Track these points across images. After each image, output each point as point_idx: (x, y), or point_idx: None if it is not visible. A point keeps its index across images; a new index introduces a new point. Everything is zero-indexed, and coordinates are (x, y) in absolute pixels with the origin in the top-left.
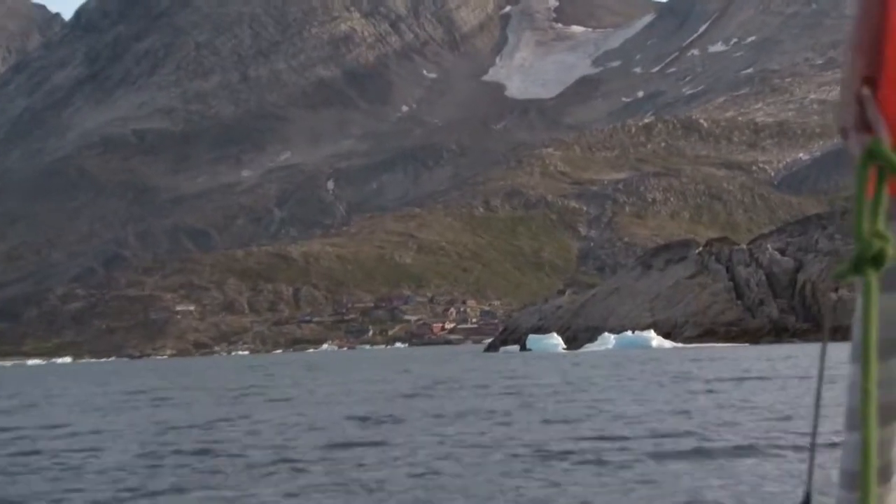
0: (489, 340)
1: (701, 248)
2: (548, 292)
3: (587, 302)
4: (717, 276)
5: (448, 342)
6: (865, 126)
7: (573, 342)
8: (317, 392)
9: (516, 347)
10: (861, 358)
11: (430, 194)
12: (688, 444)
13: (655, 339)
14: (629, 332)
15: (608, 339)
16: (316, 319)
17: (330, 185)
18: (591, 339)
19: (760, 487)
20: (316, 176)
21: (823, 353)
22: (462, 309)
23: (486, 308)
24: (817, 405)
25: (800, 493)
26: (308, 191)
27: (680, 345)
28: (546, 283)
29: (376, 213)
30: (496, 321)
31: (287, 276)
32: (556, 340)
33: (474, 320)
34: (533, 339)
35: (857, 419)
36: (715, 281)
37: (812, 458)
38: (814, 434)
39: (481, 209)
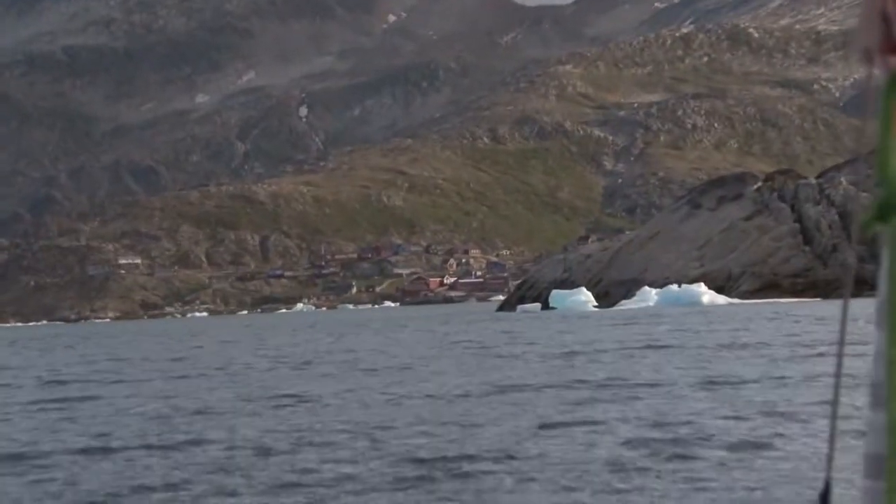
0: (500, 298)
1: (760, 184)
2: (566, 239)
3: (621, 250)
4: (780, 217)
5: (448, 300)
6: (893, 47)
7: (605, 298)
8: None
9: (536, 306)
10: (887, 322)
11: (425, 123)
12: None
13: (706, 294)
14: (674, 286)
15: (648, 295)
16: (288, 274)
17: (303, 111)
18: (628, 294)
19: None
20: (286, 101)
21: (844, 315)
22: (464, 260)
23: (494, 259)
24: (838, 378)
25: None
26: (276, 119)
27: (736, 300)
28: (564, 228)
29: (359, 145)
30: (505, 275)
31: (253, 222)
32: (585, 297)
33: (479, 274)
34: (557, 296)
35: (882, 395)
36: (778, 223)
37: (833, 442)
38: (834, 413)
39: (486, 140)
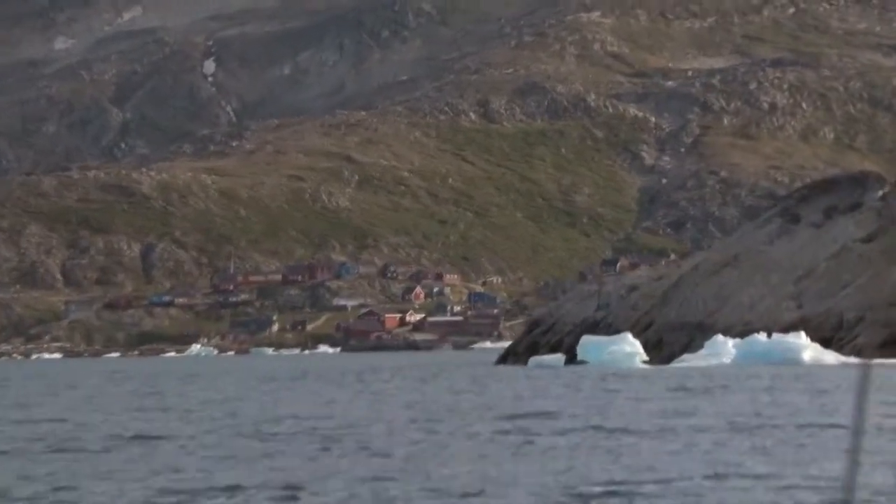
0: (487, 344)
1: (888, 189)
2: (584, 263)
3: (682, 281)
4: None
5: (411, 345)
6: None
7: (657, 349)
8: None
9: (558, 358)
10: None
11: (384, 88)
12: None
13: (808, 349)
14: (760, 335)
15: (722, 347)
16: (180, 301)
17: (209, 67)
18: (691, 344)
19: None
20: (184, 51)
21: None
22: (436, 289)
23: (479, 289)
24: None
25: None
26: (170, 77)
27: (851, 359)
28: (582, 247)
29: (289, 118)
30: (495, 311)
31: (131, 223)
32: (630, 346)
33: (457, 309)
34: (590, 345)
35: None
36: None
37: None
38: None
39: (472, 117)
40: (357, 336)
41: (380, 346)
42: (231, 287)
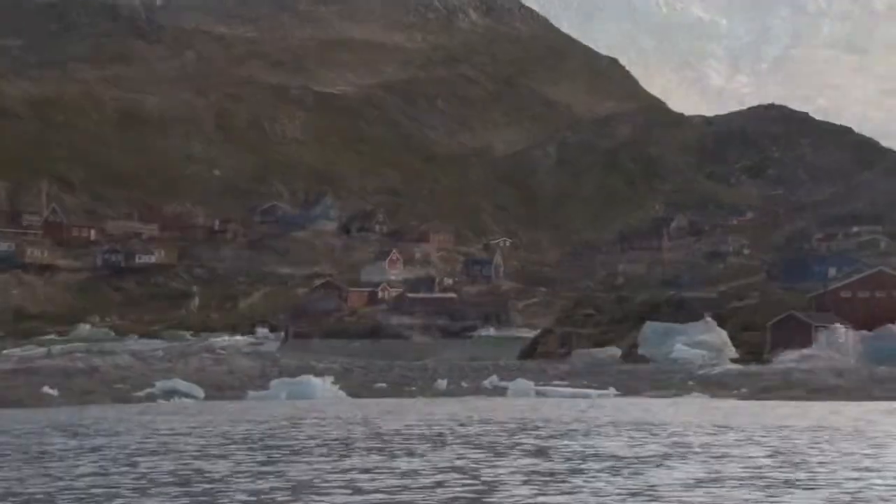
0: (497, 332)
1: None
2: (626, 221)
3: None
4: None
5: (383, 332)
6: None
7: None
8: None
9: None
10: None
11: None
12: None
13: None
14: None
15: None
16: (63, 263)
17: None
18: None
19: None
20: None
21: None
22: (420, 253)
23: (479, 254)
24: None
25: None
26: None
27: None
28: (624, 198)
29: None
30: (502, 285)
31: None
32: None
33: (449, 281)
34: None
35: None
36: None
37: None
38: None
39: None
40: (308, 319)
41: (338, 332)
42: (135, 247)
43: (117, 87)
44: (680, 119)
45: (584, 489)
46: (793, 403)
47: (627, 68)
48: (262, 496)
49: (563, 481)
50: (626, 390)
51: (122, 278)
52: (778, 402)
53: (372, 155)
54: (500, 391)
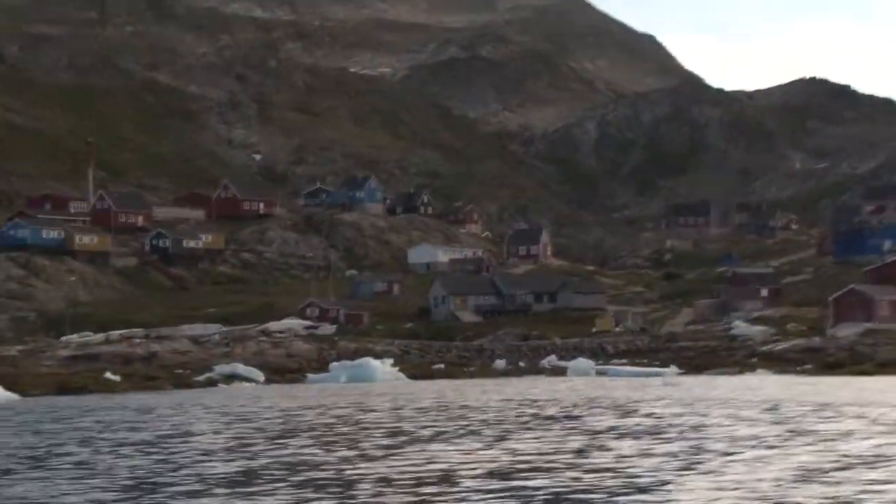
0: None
1: None
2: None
3: None
4: None
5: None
6: None
7: None
8: None
9: None
10: None
11: None
12: None
13: None
14: None
15: None
16: None
17: None
18: None
19: None
20: None
21: None
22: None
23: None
24: None
25: None
26: None
27: None
28: None
29: None
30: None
31: None
32: None
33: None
34: None
35: None
36: None
37: None
38: None
39: None
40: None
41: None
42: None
43: (159, 73)
44: (719, 94)
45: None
46: (872, 378)
47: (664, 45)
48: None
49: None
50: (688, 368)
51: (170, 264)
52: (851, 378)
53: (412, 136)
54: (559, 371)
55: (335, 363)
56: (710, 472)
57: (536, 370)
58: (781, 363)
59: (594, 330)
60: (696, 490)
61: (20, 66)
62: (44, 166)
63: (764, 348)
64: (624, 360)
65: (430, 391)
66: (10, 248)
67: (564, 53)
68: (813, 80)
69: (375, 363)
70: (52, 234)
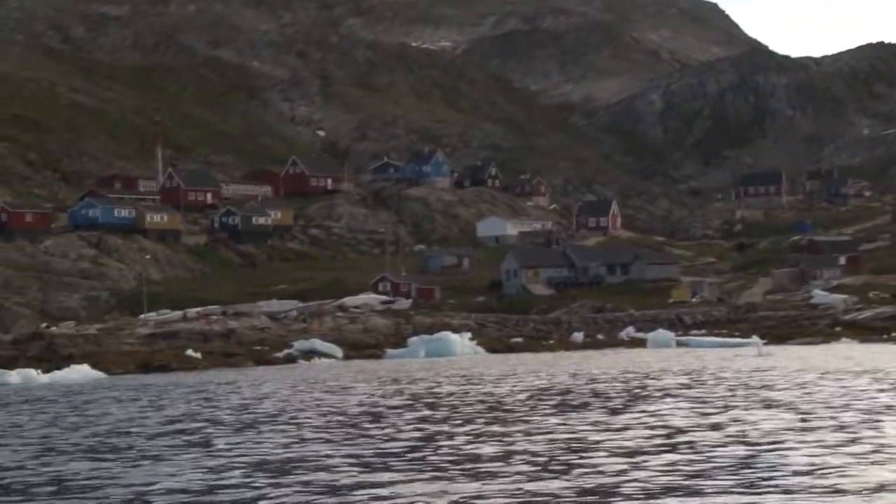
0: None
1: None
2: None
3: None
4: None
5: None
6: None
7: None
8: None
9: None
10: None
11: None
12: None
13: None
14: None
15: None
16: None
17: None
18: None
19: None
20: None
21: None
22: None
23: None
24: None
25: None
26: None
27: None
28: None
29: None
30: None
31: None
32: None
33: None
34: None
35: None
36: None
37: None
38: None
39: None
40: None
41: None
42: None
43: (221, 51)
44: (785, 61)
45: None
46: None
47: (728, 12)
48: None
49: None
50: (770, 338)
51: (240, 241)
52: None
53: (474, 109)
54: (637, 343)
55: (413, 338)
56: None
57: (615, 342)
58: (866, 332)
59: (671, 301)
60: None
61: (85, 47)
62: (110, 146)
63: (847, 317)
64: (703, 331)
65: (542, 363)
66: (83, 228)
67: (626, 24)
68: (881, 44)
69: (454, 337)
70: (123, 213)
